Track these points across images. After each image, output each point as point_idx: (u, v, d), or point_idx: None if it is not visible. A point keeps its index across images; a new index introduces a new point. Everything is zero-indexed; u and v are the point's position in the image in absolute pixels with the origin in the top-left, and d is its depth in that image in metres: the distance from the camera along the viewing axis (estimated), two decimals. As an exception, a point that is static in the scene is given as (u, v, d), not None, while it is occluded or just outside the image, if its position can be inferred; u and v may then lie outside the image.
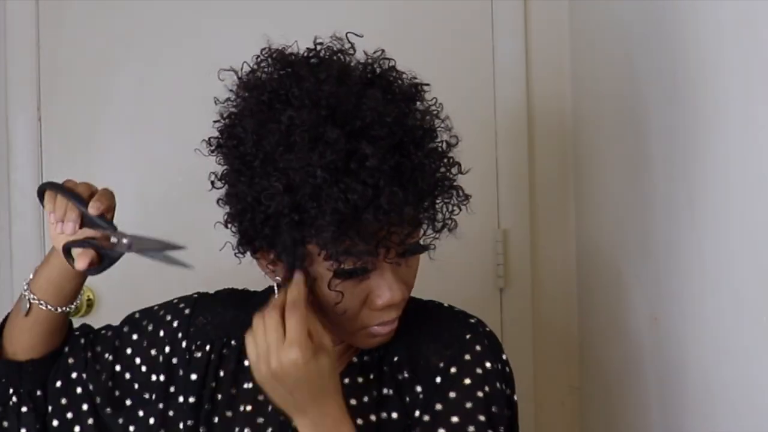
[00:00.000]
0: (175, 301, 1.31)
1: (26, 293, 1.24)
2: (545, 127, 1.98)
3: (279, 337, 1.07)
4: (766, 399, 1.12)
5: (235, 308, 1.28)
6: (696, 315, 1.32)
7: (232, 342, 1.25)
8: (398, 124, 1.08)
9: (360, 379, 1.21)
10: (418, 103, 1.14)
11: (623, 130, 1.62)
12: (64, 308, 1.25)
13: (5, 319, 1.29)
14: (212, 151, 1.16)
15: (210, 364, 1.24)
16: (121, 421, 1.26)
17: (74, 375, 1.28)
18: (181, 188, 1.88)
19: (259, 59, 1.15)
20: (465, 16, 1.95)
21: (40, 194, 1.21)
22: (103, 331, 1.32)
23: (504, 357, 1.22)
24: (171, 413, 1.23)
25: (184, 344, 1.26)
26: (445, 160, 1.13)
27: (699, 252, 1.30)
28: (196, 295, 1.31)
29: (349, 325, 1.16)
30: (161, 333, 1.27)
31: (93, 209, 1.16)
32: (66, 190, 1.18)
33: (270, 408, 1.18)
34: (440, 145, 1.14)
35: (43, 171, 1.92)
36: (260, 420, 1.20)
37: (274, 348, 1.07)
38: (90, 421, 1.26)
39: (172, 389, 1.25)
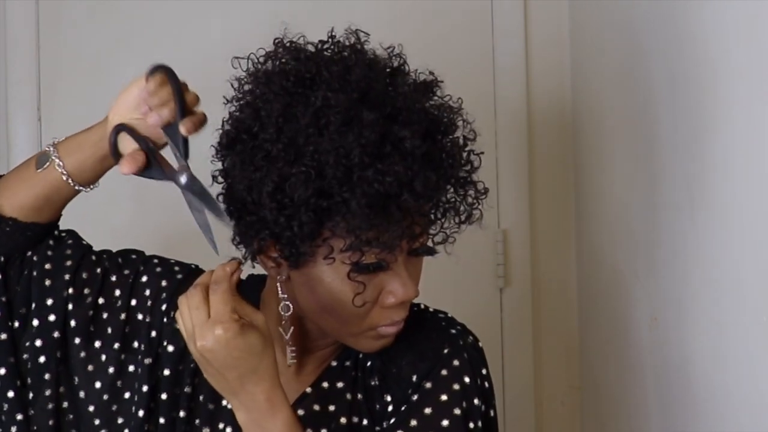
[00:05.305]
0: (172, 261, 1.25)
1: (50, 149, 1.16)
2: (545, 127, 1.98)
3: (203, 315, 1.05)
4: (767, 399, 1.12)
5: None
6: (696, 315, 1.32)
7: None
8: (425, 112, 1.09)
9: (340, 384, 1.19)
10: (435, 97, 1.15)
11: (623, 130, 1.61)
12: (74, 184, 1.16)
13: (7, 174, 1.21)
14: (220, 148, 1.13)
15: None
16: (83, 354, 1.18)
17: (67, 277, 1.19)
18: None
19: (274, 48, 1.13)
20: (465, 16, 1.95)
21: (153, 71, 1.13)
22: (95, 254, 1.23)
23: (484, 372, 1.19)
24: (131, 369, 1.18)
25: (163, 307, 1.20)
26: (465, 154, 1.14)
27: (699, 252, 1.30)
28: (194, 266, 1.26)
29: (356, 326, 1.12)
30: (145, 281, 1.21)
31: (184, 128, 1.08)
32: (180, 87, 1.10)
33: None
34: (458, 138, 1.14)
35: (43, 171, 1.92)
36: None
37: (198, 328, 1.05)
38: (64, 328, 1.18)
39: (135, 344, 1.19)
